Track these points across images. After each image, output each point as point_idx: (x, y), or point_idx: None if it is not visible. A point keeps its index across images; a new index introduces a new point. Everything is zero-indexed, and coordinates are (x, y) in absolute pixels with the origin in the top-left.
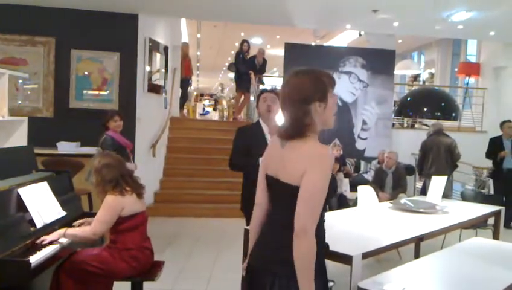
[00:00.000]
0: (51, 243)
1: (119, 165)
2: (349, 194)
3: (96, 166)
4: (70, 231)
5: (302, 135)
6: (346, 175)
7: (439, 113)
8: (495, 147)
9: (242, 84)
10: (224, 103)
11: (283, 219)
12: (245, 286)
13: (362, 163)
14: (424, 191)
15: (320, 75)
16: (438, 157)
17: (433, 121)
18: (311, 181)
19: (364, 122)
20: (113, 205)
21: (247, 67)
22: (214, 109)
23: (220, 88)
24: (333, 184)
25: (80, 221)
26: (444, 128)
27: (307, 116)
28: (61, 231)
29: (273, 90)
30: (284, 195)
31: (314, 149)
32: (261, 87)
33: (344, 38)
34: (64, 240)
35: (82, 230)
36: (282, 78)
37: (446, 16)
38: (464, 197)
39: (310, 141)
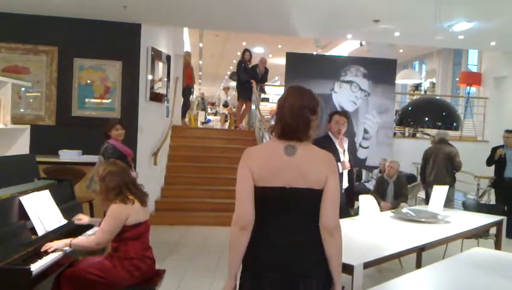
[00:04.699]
0: (54, 250)
1: (123, 173)
2: None
3: (100, 174)
4: (76, 241)
5: (309, 138)
6: None
7: (440, 123)
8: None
9: (244, 93)
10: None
11: (307, 223)
12: None
13: (364, 172)
14: (427, 200)
15: None
16: (437, 166)
17: (435, 130)
18: (334, 183)
19: (365, 131)
20: (117, 215)
21: (249, 76)
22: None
23: (223, 92)
24: None
25: (77, 218)
26: (447, 137)
27: (313, 124)
28: (67, 240)
29: (345, 114)
30: (306, 200)
31: (327, 155)
32: (263, 96)
33: (345, 47)
34: (67, 248)
35: (86, 239)
36: (283, 87)
37: (447, 26)
38: (466, 206)
39: (317, 148)
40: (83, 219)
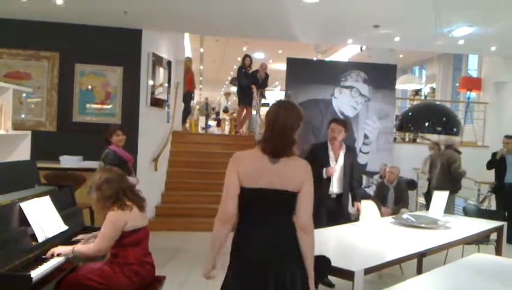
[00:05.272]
0: (58, 254)
1: (120, 179)
2: (352, 209)
3: (96, 182)
4: (78, 248)
5: (292, 153)
6: None
7: (440, 128)
8: (496, 161)
9: (244, 98)
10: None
11: (285, 220)
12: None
13: (364, 177)
14: (428, 206)
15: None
16: (437, 172)
17: (435, 136)
18: (309, 188)
19: (365, 137)
20: (115, 221)
21: (249, 81)
22: None
23: (224, 97)
24: None
25: (77, 238)
26: (453, 143)
27: (295, 140)
28: (70, 247)
29: (343, 122)
30: (283, 200)
31: (305, 164)
32: (263, 101)
33: (345, 53)
34: (70, 255)
35: (88, 247)
36: (284, 92)
37: (447, 31)
38: (466, 212)
39: (297, 158)
40: (83, 238)
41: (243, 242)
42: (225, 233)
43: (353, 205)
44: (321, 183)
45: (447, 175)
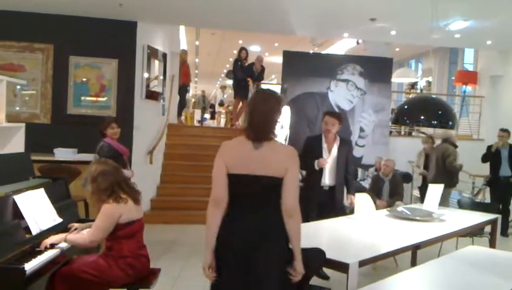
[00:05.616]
0: (51, 246)
1: (115, 172)
2: (346, 202)
3: (92, 174)
4: (70, 236)
5: (273, 137)
6: None
7: (436, 122)
8: (491, 154)
9: (240, 91)
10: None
11: (274, 207)
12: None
13: (359, 170)
14: (423, 199)
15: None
16: (432, 166)
17: (431, 129)
18: (294, 173)
19: (361, 130)
20: (110, 213)
21: (245, 74)
22: None
23: (220, 90)
24: None
25: (73, 228)
26: (449, 136)
27: (276, 122)
28: (63, 235)
29: (337, 115)
30: (268, 186)
31: (289, 149)
32: None
33: (342, 46)
34: (63, 245)
35: (80, 237)
36: (280, 86)
37: (443, 25)
38: (461, 205)
39: (279, 143)
40: (78, 227)
41: (231, 229)
42: (218, 219)
43: (347, 198)
44: (314, 174)
45: (442, 169)
